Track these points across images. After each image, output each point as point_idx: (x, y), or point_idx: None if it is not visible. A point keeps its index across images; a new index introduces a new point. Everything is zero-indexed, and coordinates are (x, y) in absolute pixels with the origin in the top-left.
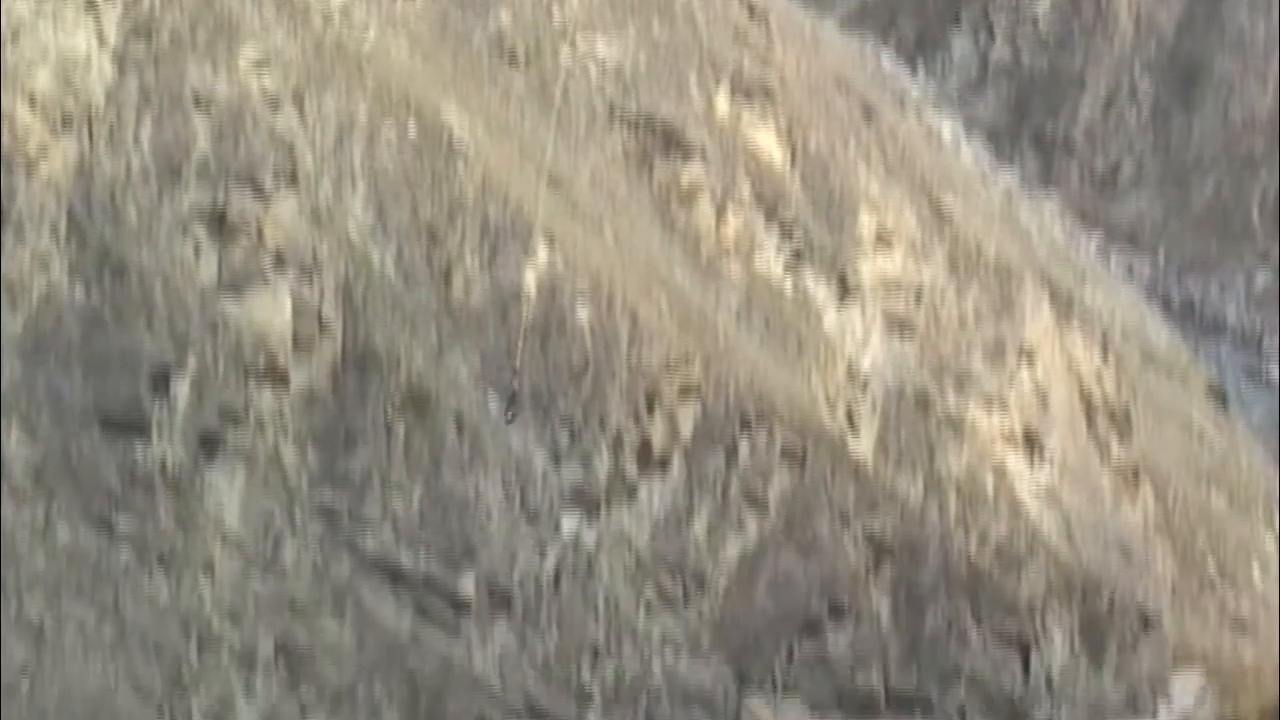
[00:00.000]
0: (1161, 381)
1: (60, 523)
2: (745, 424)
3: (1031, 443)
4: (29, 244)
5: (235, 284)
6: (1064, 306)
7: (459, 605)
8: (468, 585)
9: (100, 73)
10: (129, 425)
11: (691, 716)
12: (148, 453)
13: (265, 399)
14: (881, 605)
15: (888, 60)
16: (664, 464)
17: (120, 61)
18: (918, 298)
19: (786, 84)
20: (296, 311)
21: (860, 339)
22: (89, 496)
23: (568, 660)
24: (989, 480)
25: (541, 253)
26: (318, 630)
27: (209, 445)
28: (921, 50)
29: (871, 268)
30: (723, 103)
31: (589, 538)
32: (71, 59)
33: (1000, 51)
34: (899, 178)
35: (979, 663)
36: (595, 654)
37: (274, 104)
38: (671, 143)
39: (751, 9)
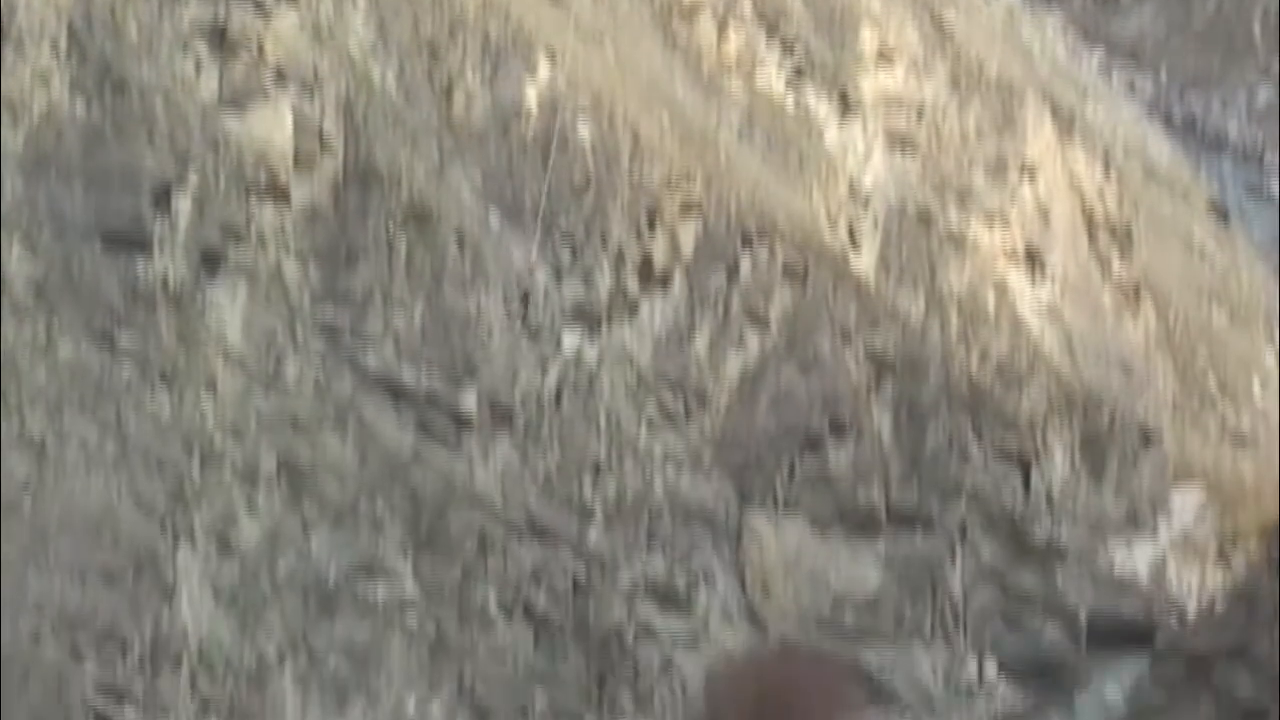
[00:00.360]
0: (1163, 198)
1: (62, 339)
2: (746, 241)
3: (1033, 259)
4: (29, 60)
5: (236, 100)
6: (1066, 123)
7: (461, 422)
8: (469, 402)
9: None
10: (130, 241)
11: (693, 533)
12: (149, 269)
13: (267, 215)
14: (883, 422)
15: None
16: (665, 281)
17: None
18: (919, 114)
19: None
20: (297, 128)
21: (861, 156)
22: (90, 312)
23: (569, 477)
24: (990, 297)
25: (543, 69)
26: (320, 447)
27: (210, 261)
28: None
29: (873, 84)
30: None
31: (590, 354)
32: None
33: None
34: None
35: (980, 479)
36: (597, 470)
37: None
38: None
39: None
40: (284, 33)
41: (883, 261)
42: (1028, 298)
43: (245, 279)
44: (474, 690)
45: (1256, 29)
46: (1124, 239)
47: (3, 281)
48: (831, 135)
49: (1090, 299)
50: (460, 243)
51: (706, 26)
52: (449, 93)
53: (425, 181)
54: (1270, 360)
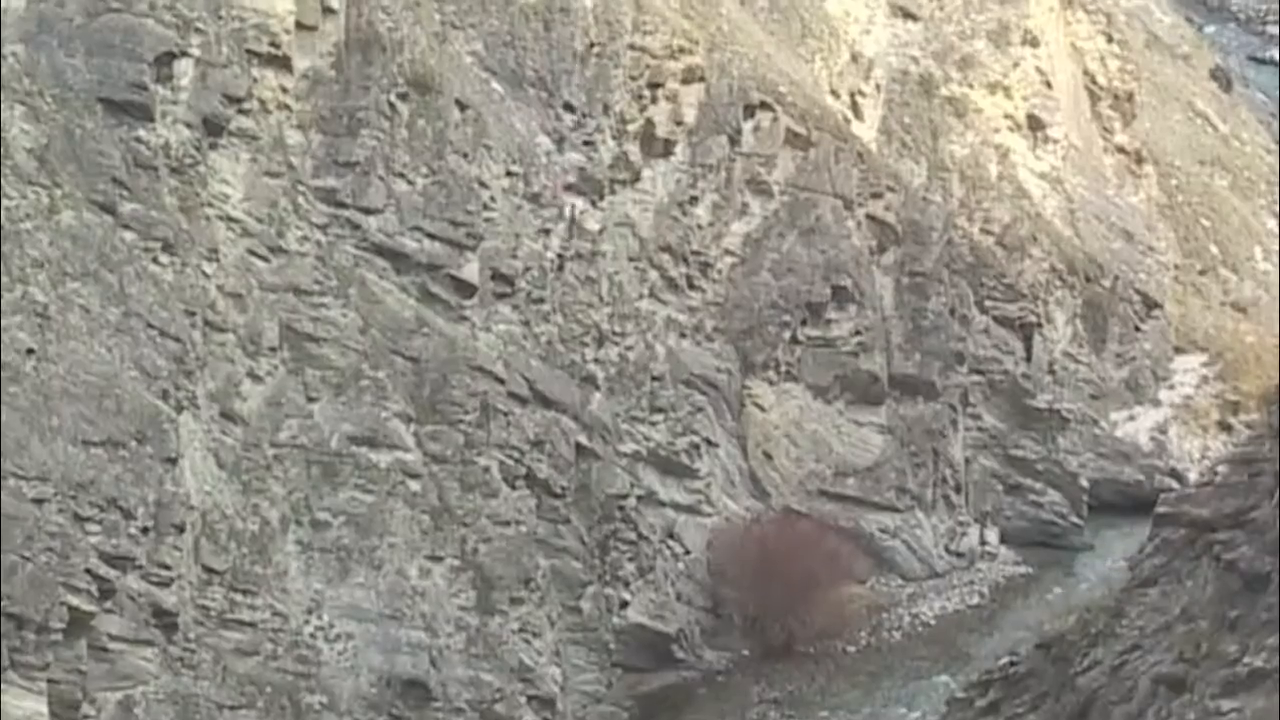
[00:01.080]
0: (1165, 65)
1: (64, 206)
2: (749, 109)
3: (1035, 126)
4: None
5: None
6: None
7: (463, 289)
8: (471, 269)
9: None
10: (132, 108)
11: (695, 399)
12: (151, 136)
13: (269, 82)
14: (885, 289)
15: None
16: (668, 148)
17: None
18: None
19: None
20: None
21: (864, 23)
22: (92, 180)
23: (571, 344)
24: (992, 164)
25: None
26: (322, 314)
27: (212, 128)
28: None
29: None
30: None
31: (592, 221)
32: None
33: None
34: None
35: (982, 347)
36: (599, 337)
37: None
38: None
39: None
40: None
41: (885, 128)
42: (1030, 164)
43: (247, 146)
44: (476, 557)
45: None
46: (1126, 105)
47: (5, 148)
48: (834, 3)
49: (1092, 165)
50: (462, 110)
51: None
52: None
53: (427, 49)
54: (1271, 227)
